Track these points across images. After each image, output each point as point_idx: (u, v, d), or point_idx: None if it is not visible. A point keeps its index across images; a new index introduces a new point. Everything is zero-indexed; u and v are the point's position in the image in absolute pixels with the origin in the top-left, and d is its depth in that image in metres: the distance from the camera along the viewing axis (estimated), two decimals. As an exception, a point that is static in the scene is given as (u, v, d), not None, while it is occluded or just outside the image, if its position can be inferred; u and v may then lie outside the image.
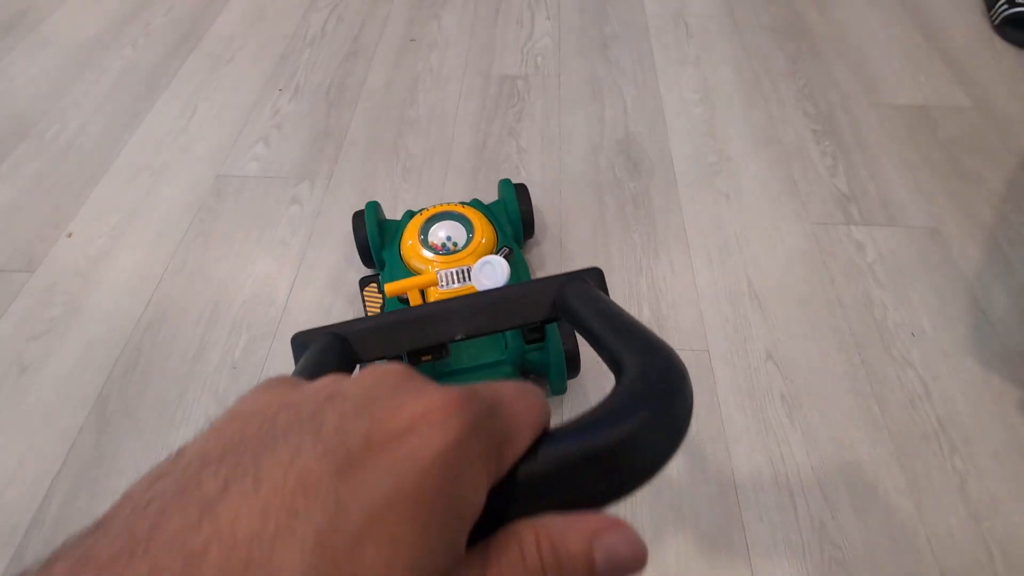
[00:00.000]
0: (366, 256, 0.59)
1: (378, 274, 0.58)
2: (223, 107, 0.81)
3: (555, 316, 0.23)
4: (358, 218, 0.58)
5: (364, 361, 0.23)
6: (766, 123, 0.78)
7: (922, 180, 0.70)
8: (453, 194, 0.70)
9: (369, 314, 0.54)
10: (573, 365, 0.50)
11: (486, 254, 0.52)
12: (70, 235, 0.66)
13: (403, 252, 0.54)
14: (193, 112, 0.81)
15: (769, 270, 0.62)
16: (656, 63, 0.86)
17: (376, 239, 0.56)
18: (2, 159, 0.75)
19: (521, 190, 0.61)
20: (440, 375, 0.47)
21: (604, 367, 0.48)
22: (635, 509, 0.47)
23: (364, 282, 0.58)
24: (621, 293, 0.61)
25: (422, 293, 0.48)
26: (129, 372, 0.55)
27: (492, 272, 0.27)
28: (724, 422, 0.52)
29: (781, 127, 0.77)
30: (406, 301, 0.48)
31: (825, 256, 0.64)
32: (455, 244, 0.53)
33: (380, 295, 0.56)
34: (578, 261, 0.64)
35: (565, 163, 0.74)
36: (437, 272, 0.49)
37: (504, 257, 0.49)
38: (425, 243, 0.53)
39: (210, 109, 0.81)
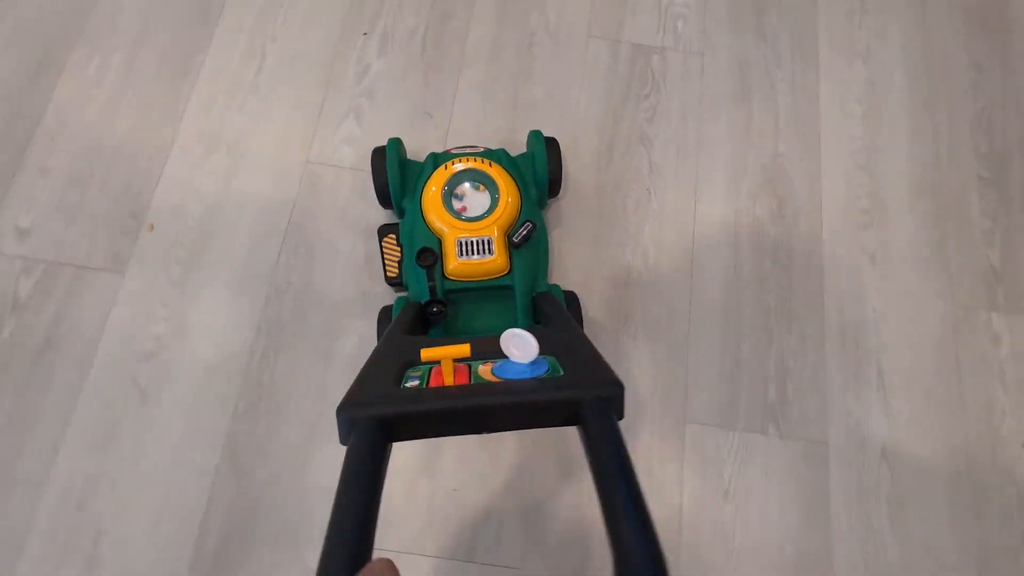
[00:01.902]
0: (384, 198, 0.56)
1: (397, 224, 0.56)
2: (296, 58, 0.66)
3: (574, 423, 0.26)
4: (378, 156, 0.55)
5: (399, 440, 0.26)
6: (931, 160, 0.68)
7: (1080, 260, 0.65)
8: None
9: (387, 264, 0.54)
10: None
11: (508, 224, 0.52)
12: (151, 228, 0.59)
13: (424, 207, 0.52)
14: (261, 62, 0.66)
15: (901, 358, 0.60)
16: (820, 51, 0.71)
17: (397, 183, 0.54)
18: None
19: (552, 146, 0.57)
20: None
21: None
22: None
23: (383, 232, 0.55)
24: (749, 368, 0.59)
25: (439, 250, 0.50)
26: (253, 407, 0.55)
27: (522, 344, 0.27)
28: (832, 519, 0.55)
29: (946, 169, 0.67)
30: (436, 245, 0.50)
31: (959, 347, 0.61)
32: (478, 207, 0.52)
33: (399, 247, 0.54)
34: (706, 325, 0.60)
35: (701, 189, 0.65)
36: (456, 240, 0.50)
37: (526, 233, 0.51)
38: (447, 202, 0.52)
39: (280, 60, 0.66)
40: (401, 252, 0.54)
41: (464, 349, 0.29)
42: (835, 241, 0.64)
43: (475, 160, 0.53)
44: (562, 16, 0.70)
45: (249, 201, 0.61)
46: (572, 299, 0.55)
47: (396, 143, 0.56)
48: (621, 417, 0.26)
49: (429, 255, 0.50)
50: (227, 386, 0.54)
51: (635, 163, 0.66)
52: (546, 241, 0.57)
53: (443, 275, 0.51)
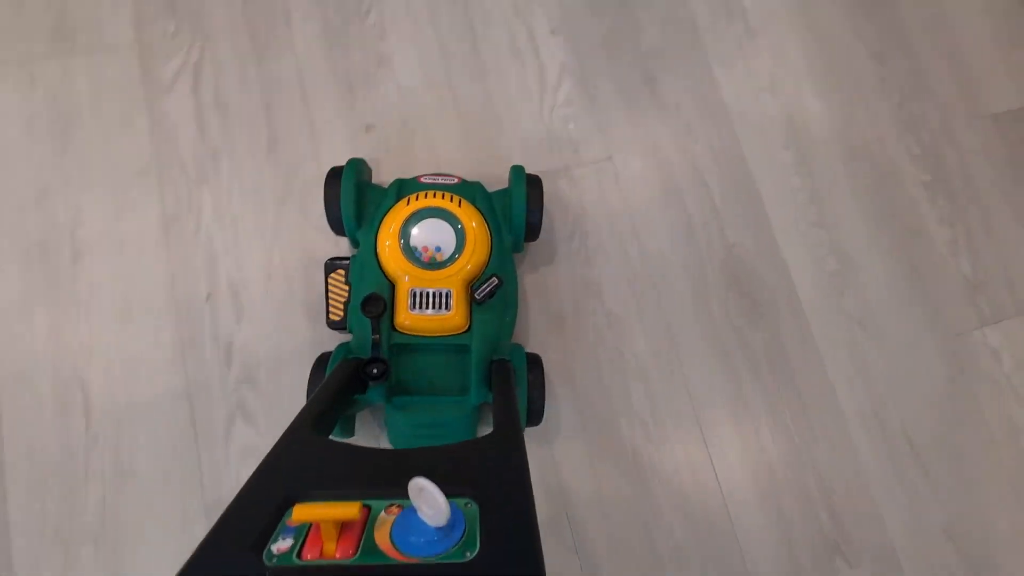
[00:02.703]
0: (337, 225, 0.49)
1: (347, 258, 0.49)
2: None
3: None
4: (333, 178, 0.48)
5: None
6: (875, 183, 0.63)
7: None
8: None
9: (331, 306, 0.48)
10: (536, 416, 0.48)
11: (472, 276, 0.46)
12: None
13: (379, 245, 0.46)
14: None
15: (925, 419, 0.57)
16: (724, 99, 0.63)
17: (351, 211, 0.47)
18: None
19: (534, 185, 0.51)
20: (394, 398, 0.45)
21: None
22: None
23: (331, 266, 0.49)
24: (789, 498, 0.54)
25: (391, 297, 0.44)
26: None
27: (431, 502, 0.22)
28: None
29: (892, 187, 0.63)
30: (388, 291, 0.44)
31: (969, 379, 0.59)
32: (439, 252, 0.45)
33: (347, 286, 0.48)
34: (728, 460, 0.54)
35: (673, 327, 0.57)
36: (410, 290, 0.44)
37: (490, 290, 0.44)
38: (406, 244, 0.45)
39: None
40: (349, 293, 0.48)
41: (351, 510, 0.23)
42: (821, 320, 0.58)
43: (442, 196, 0.46)
44: (438, 167, 0.57)
45: None
46: (535, 363, 0.49)
47: (356, 164, 0.49)
48: None
49: (377, 303, 0.42)
50: None
51: (593, 334, 0.56)
52: (516, 295, 0.50)
53: (392, 327, 0.44)
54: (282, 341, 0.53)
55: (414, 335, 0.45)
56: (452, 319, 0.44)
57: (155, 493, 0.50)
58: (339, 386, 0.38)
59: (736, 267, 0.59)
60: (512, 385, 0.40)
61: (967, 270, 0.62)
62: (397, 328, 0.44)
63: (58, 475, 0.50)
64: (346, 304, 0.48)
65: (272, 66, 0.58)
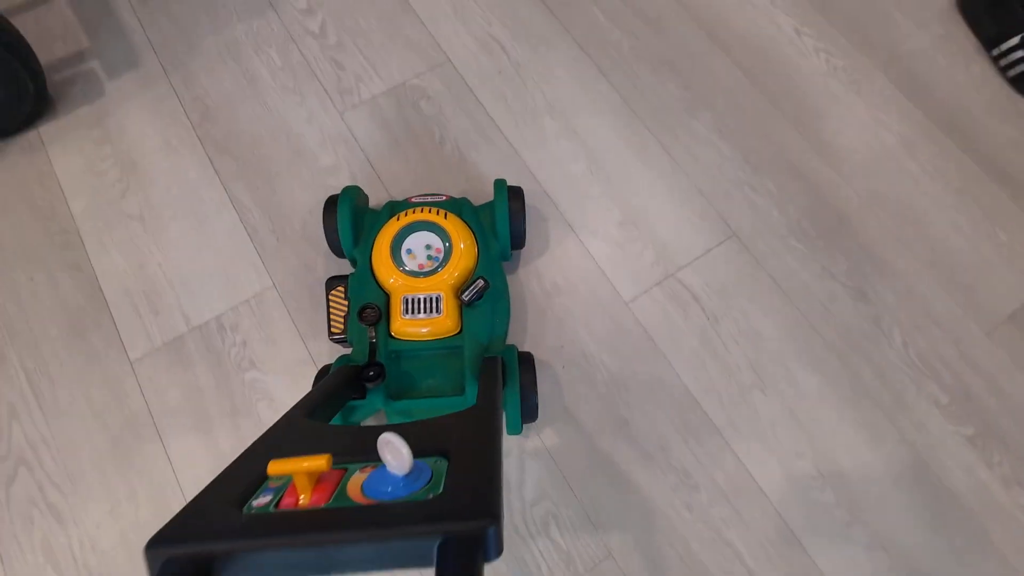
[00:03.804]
0: (336, 248, 0.54)
1: (347, 276, 0.52)
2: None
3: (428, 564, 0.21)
4: (331, 205, 0.53)
5: None
6: (912, 458, 0.53)
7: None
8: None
9: (332, 319, 0.51)
10: (530, 413, 0.49)
11: (460, 281, 0.49)
12: None
13: (373, 259, 0.50)
14: None
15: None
16: (710, 416, 0.54)
17: (348, 234, 0.52)
18: None
19: (516, 195, 0.54)
20: (393, 402, 0.46)
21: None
22: None
23: (331, 284, 0.53)
24: None
25: (385, 307, 0.48)
26: None
27: (395, 453, 0.23)
28: None
29: (936, 459, 0.54)
30: (383, 301, 0.48)
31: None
32: (430, 259, 0.50)
33: (346, 301, 0.51)
34: None
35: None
36: (403, 297, 0.48)
37: (477, 291, 0.48)
38: (396, 256, 0.50)
39: None
40: (348, 307, 0.51)
41: (320, 463, 0.24)
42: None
43: (429, 212, 0.51)
44: None
45: None
46: (526, 360, 0.50)
47: (352, 192, 0.53)
48: (494, 557, 0.22)
49: (372, 312, 0.47)
50: None
51: None
52: (506, 299, 0.53)
53: (388, 334, 0.48)
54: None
55: (409, 340, 0.48)
56: (444, 322, 0.47)
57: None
58: (336, 384, 0.41)
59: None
60: (497, 375, 0.42)
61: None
62: (393, 335, 0.48)
63: None
64: (346, 318, 0.51)
65: None
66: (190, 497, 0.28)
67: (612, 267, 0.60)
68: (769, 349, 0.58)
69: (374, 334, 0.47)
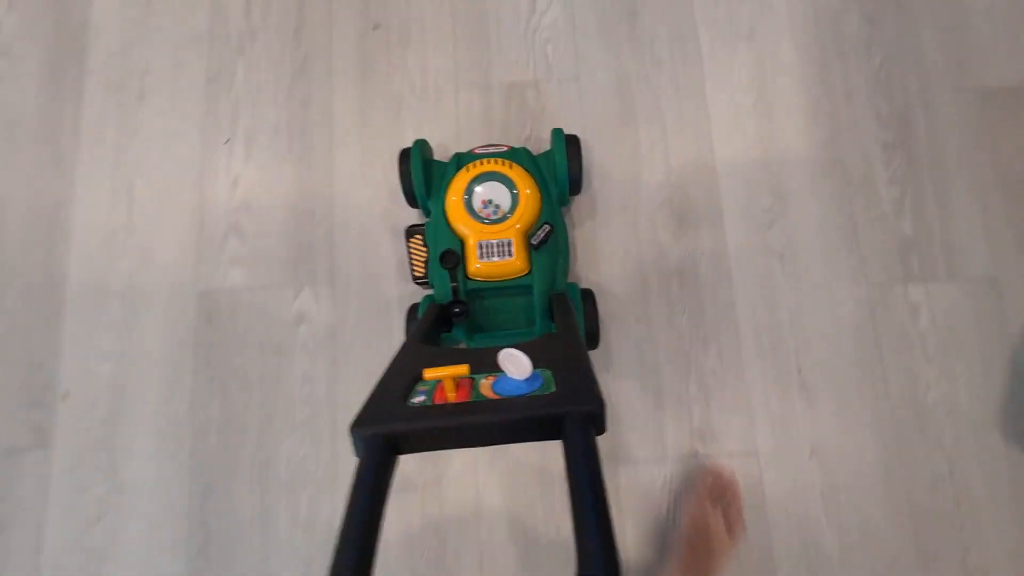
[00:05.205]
0: (412, 198, 0.59)
1: (423, 224, 0.58)
2: (164, 185, 0.65)
3: (559, 437, 0.28)
4: (404, 158, 0.58)
5: (404, 453, 0.29)
6: (830, 137, 0.66)
7: (993, 207, 0.64)
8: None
9: (414, 264, 0.58)
10: (592, 340, 0.58)
11: (527, 226, 0.54)
12: (66, 396, 0.60)
13: (447, 210, 0.55)
14: (130, 200, 0.64)
15: (820, 353, 0.61)
16: (701, 43, 0.68)
17: (421, 185, 0.57)
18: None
19: (573, 143, 0.59)
20: (475, 335, 0.55)
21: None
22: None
23: (411, 232, 0.59)
24: (671, 396, 0.60)
25: (462, 251, 0.53)
26: (204, 549, 0.57)
27: (516, 363, 0.31)
28: (771, 530, 0.58)
29: (847, 141, 0.66)
30: (459, 246, 0.53)
31: (878, 327, 0.62)
32: (498, 209, 0.54)
33: (425, 247, 0.57)
34: (622, 360, 0.61)
35: (598, 230, 0.64)
36: (477, 243, 0.53)
37: (544, 235, 0.53)
38: (469, 205, 0.54)
39: (149, 192, 0.65)
40: (427, 252, 0.57)
41: (463, 369, 0.33)
42: (741, 248, 0.63)
43: (496, 162, 0.55)
44: (426, 74, 0.67)
45: (152, 347, 0.61)
46: (588, 296, 0.58)
47: (420, 145, 0.58)
48: (601, 432, 0.28)
49: (452, 257, 0.53)
50: (175, 534, 0.57)
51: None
52: (566, 241, 0.59)
53: (466, 276, 0.53)
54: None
55: (485, 280, 0.53)
56: (514, 264, 0.53)
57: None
58: (430, 321, 0.48)
59: (671, 189, 0.65)
60: (569, 306, 0.49)
61: (907, 229, 0.64)
62: (470, 276, 0.54)
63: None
64: (426, 263, 0.57)
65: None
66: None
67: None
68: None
69: (455, 279, 0.52)
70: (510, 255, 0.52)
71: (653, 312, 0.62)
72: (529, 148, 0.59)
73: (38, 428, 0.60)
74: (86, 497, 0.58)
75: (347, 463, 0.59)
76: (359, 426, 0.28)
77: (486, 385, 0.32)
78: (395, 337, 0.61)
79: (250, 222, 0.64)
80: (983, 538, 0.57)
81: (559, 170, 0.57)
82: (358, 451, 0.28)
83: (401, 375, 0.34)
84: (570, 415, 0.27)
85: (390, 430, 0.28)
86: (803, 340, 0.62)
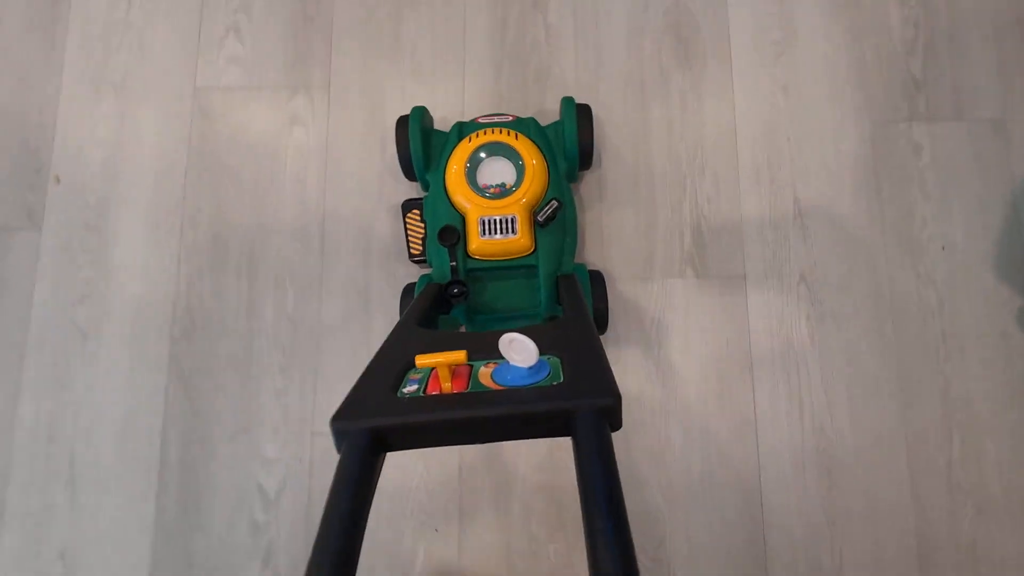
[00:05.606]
0: (408, 171, 0.55)
1: (421, 199, 0.55)
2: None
3: (568, 434, 0.26)
4: (401, 126, 0.54)
5: (392, 450, 0.26)
6: None
7: (1008, 50, 0.62)
8: (473, 103, 0.62)
9: (411, 241, 0.54)
10: (601, 322, 0.53)
11: (534, 202, 0.50)
12: (57, 180, 0.60)
13: (447, 182, 0.50)
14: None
15: (818, 184, 0.60)
16: None
17: (420, 156, 0.52)
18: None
19: (584, 113, 0.54)
20: (475, 317, 0.51)
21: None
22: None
23: (407, 207, 0.55)
24: (664, 216, 0.60)
25: (462, 228, 0.49)
26: (188, 331, 0.58)
27: (522, 349, 0.27)
28: (752, 347, 0.58)
29: None
30: (459, 222, 0.49)
31: (878, 163, 0.61)
32: (502, 185, 0.50)
33: (422, 224, 0.53)
34: (617, 193, 0.60)
35: (603, 54, 0.62)
36: (479, 218, 0.49)
37: (551, 212, 0.49)
38: (471, 178, 0.50)
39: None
40: (425, 229, 0.53)
41: (460, 356, 0.28)
42: (745, 79, 0.62)
43: (501, 132, 0.51)
44: None
45: (146, 138, 0.61)
46: (597, 279, 0.54)
47: (419, 112, 0.53)
48: (616, 428, 0.25)
49: (451, 234, 0.49)
50: (161, 316, 0.58)
51: (532, 32, 0.63)
52: (575, 218, 0.54)
53: (466, 254, 0.50)
54: None
55: (487, 259, 0.50)
56: (519, 242, 0.49)
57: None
58: (427, 302, 0.44)
59: (679, 15, 0.63)
60: (578, 288, 0.45)
61: (916, 70, 0.62)
62: (471, 255, 0.49)
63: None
64: (423, 240, 0.53)
65: None
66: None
67: None
68: None
69: (455, 257, 0.48)
70: (514, 232, 0.48)
71: (653, 136, 0.61)
72: (537, 120, 0.54)
73: (29, 211, 0.60)
74: (74, 277, 0.58)
75: (333, 269, 0.59)
76: (340, 419, 0.25)
77: (486, 373, 0.29)
78: (388, 151, 0.61)
79: (249, 24, 0.63)
80: (968, 372, 0.57)
81: (569, 142, 0.52)
82: (339, 447, 0.25)
83: (391, 361, 0.31)
84: (582, 410, 0.24)
85: (376, 424, 0.25)
86: (801, 171, 0.61)
